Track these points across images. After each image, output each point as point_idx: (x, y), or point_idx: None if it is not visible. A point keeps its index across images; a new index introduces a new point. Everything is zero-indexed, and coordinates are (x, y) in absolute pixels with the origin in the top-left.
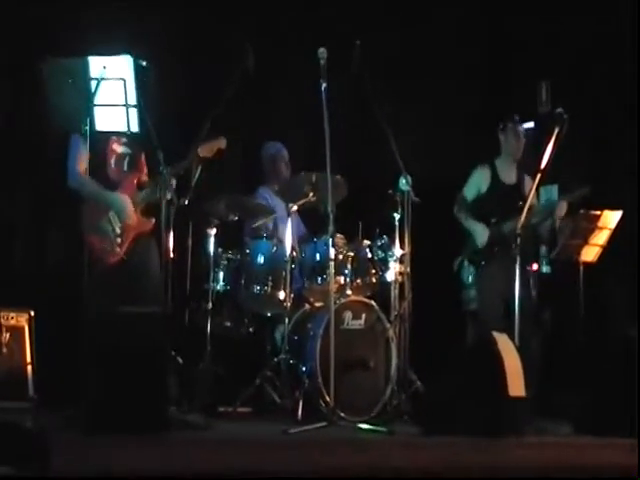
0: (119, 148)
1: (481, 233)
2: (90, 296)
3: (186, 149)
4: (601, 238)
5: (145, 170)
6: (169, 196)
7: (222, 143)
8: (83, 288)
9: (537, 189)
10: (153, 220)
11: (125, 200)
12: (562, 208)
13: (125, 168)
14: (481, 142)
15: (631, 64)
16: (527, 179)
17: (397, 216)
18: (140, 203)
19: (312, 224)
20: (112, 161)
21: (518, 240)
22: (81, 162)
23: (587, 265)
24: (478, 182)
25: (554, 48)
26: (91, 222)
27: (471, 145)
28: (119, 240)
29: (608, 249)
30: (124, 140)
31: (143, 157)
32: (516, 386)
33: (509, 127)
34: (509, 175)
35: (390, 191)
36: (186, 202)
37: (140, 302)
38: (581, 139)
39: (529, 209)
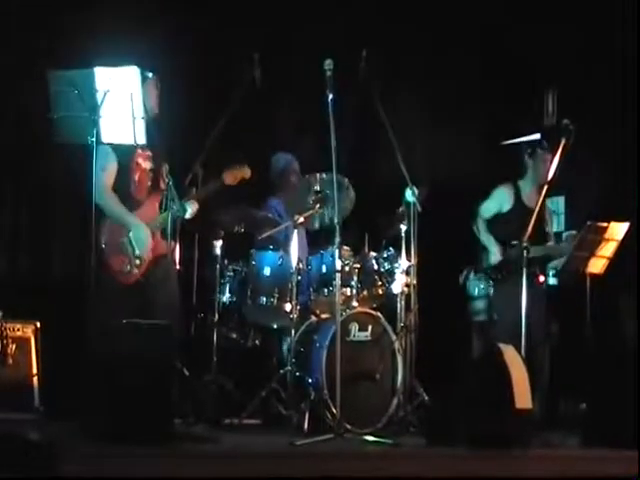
0: (144, 163)
1: (496, 253)
2: (94, 308)
3: (192, 163)
4: (608, 250)
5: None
6: (175, 208)
7: (247, 173)
8: (88, 300)
9: (543, 201)
10: (173, 243)
11: (144, 230)
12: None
13: (149, 185)
14: (489, 154)
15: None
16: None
17: (403, 228)
18: (161, 226)
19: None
20: (136, 177)
21: (526, 253)
22: (110, 180)
23: (594, 277)
24: (500, 200)
25: (560, 59)
26: (111, 240)
27: (478, 157)
28: (138, 262)
29: (615, 261)
30: (149, 154)
31: (164, 171)
32: (523, 398)
33: (539, 153)
34: (532, 199)
35: (399, 210)
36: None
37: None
38: (588, 150)
39: (545, 234)
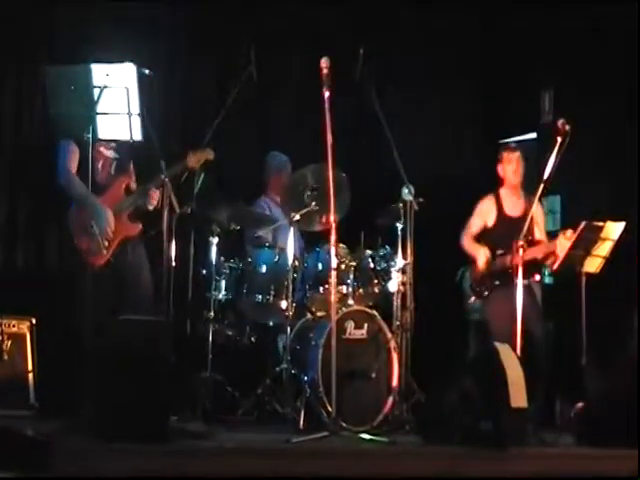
0: (107, 152)
1: (482, 256)
2: (84, 301)
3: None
4: (604, 249)
5: (133, 177)
6: (154, 203)
7: (210, 155)
8: (76, 293)
9: (539, 200)
10: (140, 225)
11: (106, 212)
12: (563, 245)
13: (112, 172)
14: (484, 152)
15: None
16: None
17: (400, 226)
18: (127, 208)
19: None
20: (99, 165)
21: (520, 268)
22: (72, 163)
23: (589, 276)
24: (484, 216)
25: (557, 57)
26: (79, 223)
27: (473, 155)
28: (106, 243)
29: (611, 260)
30: (112, 145)
31: (131, 164)
32: (518, 397)
33: (504, 157)
34: (514, 207)
35: (393, 205)
36: (188, 211)
37: (129, 304)
38: (584, 149)
39: (534, 239)
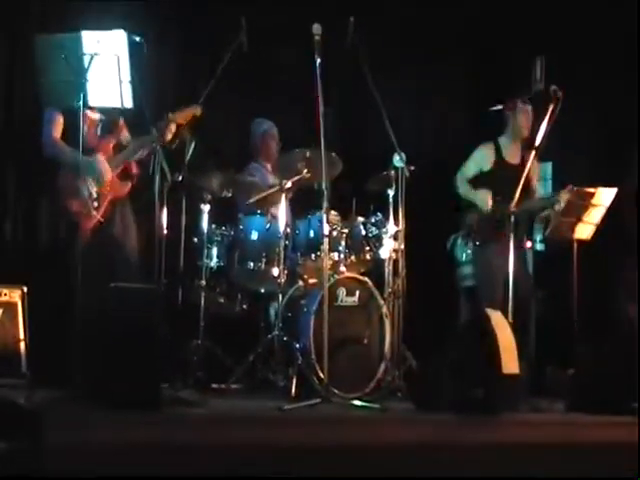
0: (93, 115)
1: (484, 199)
2: (75, 267)
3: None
4: (595, 216)
5: (126, 132)
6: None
7: (197, 110)
8: (67, 259)
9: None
10: (129, 184)
11: (102, 163)
12: (564, 201)
13: (98, 133)
14: (476, 119)
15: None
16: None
17: (391, 193)
18: (117, 166)
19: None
20: (85, 127)
21: (512, 218)
22: (56, 131)
23: (581, 243)
24: (480, 160)
25: (549, 24)
26: (68, 186)
27: (465, 122)
28: (95, 204)
29: (602, 226)
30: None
31: (122, 121)
32: (510, 363)
33: (519, 106)
34: (514, 155)
35: (385, 172)
36: (179, 178)
37: (118, 267)
38: (576, 116)
39: (530, 191)
